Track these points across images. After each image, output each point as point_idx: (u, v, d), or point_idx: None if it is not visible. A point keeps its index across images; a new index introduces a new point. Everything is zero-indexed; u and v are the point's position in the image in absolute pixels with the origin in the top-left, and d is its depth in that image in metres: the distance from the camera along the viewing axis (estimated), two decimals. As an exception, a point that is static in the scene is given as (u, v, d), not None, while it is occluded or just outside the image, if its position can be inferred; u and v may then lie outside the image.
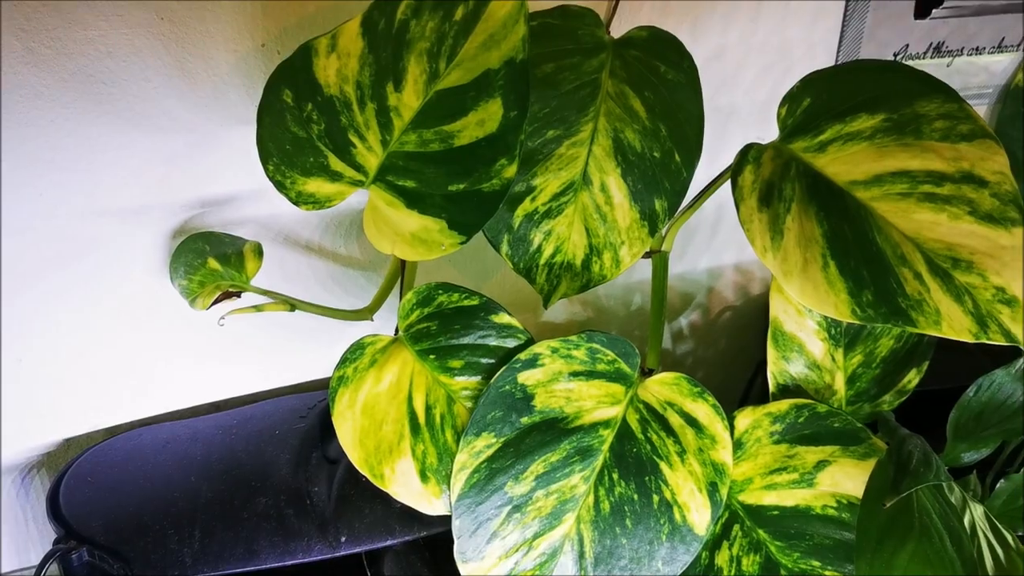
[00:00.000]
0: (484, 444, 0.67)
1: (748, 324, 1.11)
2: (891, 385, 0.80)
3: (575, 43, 0.71)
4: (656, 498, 0.68)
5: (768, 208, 0.71)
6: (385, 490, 0.67)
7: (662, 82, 0.69)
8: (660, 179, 0.72)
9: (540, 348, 0.69)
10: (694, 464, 0.68)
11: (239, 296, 0.74)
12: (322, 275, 0.84)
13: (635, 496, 0.68)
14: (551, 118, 0.70)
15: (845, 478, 0.67)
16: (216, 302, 0.74)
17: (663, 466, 0.69)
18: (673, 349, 1.11)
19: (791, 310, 0.73)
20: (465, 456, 0.67)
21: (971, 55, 1.02)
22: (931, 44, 1.03)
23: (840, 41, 0.98)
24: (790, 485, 0.70)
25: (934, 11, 1.03)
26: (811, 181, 0.72)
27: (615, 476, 0.68)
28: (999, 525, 0.64)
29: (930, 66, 1.00)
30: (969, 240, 0.70)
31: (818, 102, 0.74)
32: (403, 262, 0.77)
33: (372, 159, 0.69)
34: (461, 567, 0.67)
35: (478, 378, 0.68)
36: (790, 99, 0.75)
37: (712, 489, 0.68)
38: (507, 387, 0.68)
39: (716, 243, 1.02)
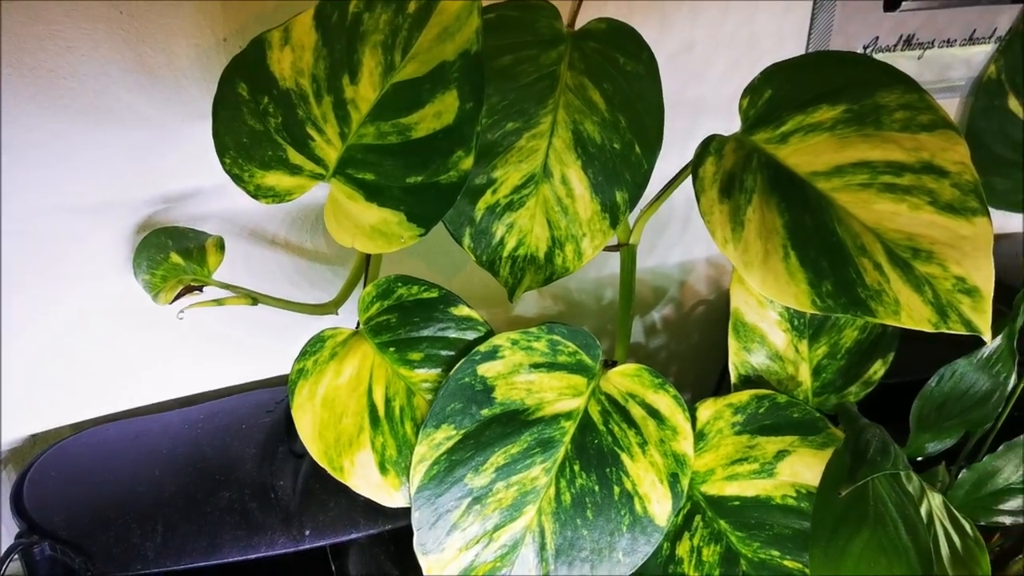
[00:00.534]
0: (444, 436, 0.67)
1: (721, 318, 1.11)
2: (856, 376, 0.80)
3: (533, 35, 0.71)
4: (617, 489, 0.68)
5: (729, 199, 0.71)
6: (344, 483, 0.67)
7: (621, 74, 0.69)
8: (621, 171, 0.71)
9: (500, 340, 0.68)
10: (655, 455, 0.68)
11: (201, 291, 0.73)
12: (288, 270, 0.84)
13: (596, 487, 0.68)
14: (510, 110, 0.70)
15: (804, 468, 0.66)
16: (178, 296, 0.74)
17: (624, 457, 0.68)
18: (646, 343, 1.10)
19: (752, 301, 0.73)
20: (424, 448, 0.67)
21: (942, 47, 1.02)
22: (901, 37, 1.02)
23: (809, 34, 0.98)
24: (751, 475, 0.69)
25: (903, 3, 1.03)
26: (773, 172, 0.71)
27: (576, 468, 0.68)
28: (957, 514, 0.64)
29: (901, 59, 1.00)
30: (929, 230, 0.70)
31: (780, 93, 0.73)
32: (367, 256, 0.77)
33: (331, 152, 0.69)
34: (421, 559, 0.66)
35: (438, 370, 0.67)
36: (752, 91, 0.74)
37: (673, 480, 0.68)
38: (467, 379, 0.68)
39: (687, 237, 1.01)
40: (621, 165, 0.70)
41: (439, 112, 0.64)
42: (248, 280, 0.77)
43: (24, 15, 0.64)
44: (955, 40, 1.04)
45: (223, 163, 0.65)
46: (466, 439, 0.66)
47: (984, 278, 0.68)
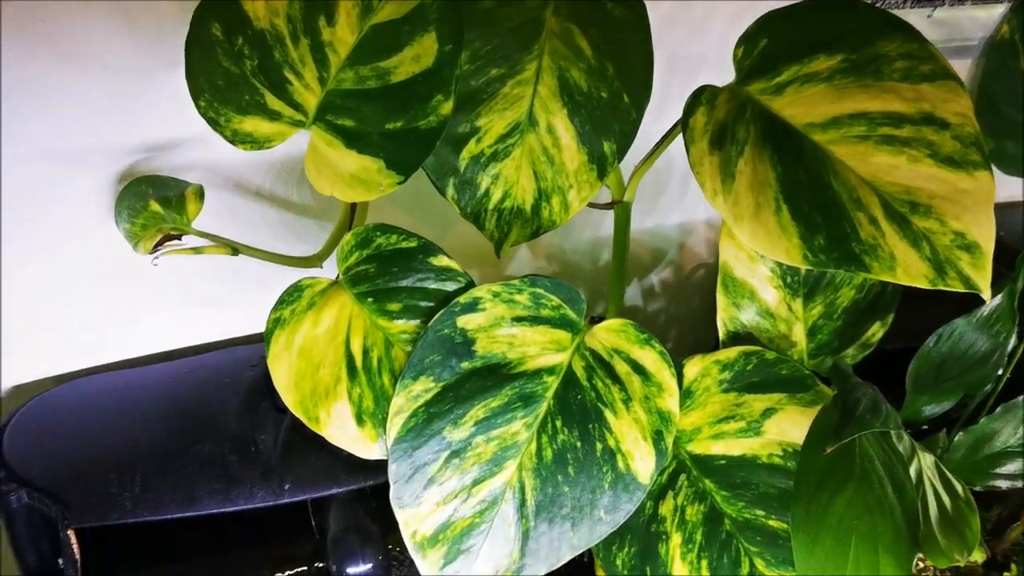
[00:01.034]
0: (422, 388, 0.65)
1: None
2: (854, 338, 0.78)
3: (517, -23, 0.69)
4: (600, 446, 0.66)
5: (720, 151, 0.69)
6: (320, 433, 0.66)
7: (608, 19, 0.66)
8: (608, 121, 0.69)
9: (480, 292, 0.66)
10: (639, 412, 0.67)
11: (180, 239, 0.72)
12: (274, 223, 0.81)
13: (578, 444, 0.66)
14: (494, 56, 0.67)
15: (791, 426, 0.64)
16: (158, 245, 0.72)
17: (608, 414, 0.67)
18: (644, 306, 1.08)
19: (742, 256, 0.70)
20: (402, 400, 0.65)
21: (954, 6, 0.99)
22: (911, -7, 0.99)
23: (814, -11, 0.95)
24: (737, 434, 0.67)
25: (915, -42, 1.00)
26: (767, 124, 0.69)
27: (558, 423, 0.66)
28: (949, 475, 0.62)
29: (911, 16, 0.97)
30: (928, 184, 0.67)
31: (775, 42, 0.71)
32: (353, 209, 0.75)
33: (311, 97, 0.66)
34: (398, 513, 0.65)
35: (417, 321, 0.64)
36: (746, 40, 0.72)
37: (657, 437, 0.66)
38: (446, 331, 0.66)
39: (687, 199, 0.99)
40: (609, 114, 0.68)
41: (418, 55, 0.63)
42: (234, 232, 0.76)
43: (2, -44, 0.63)
44: (967, -1, 1.00)
45: (198, 106, 0.63)
46: (445, 392, 0.64)
47: (984, 234, 0.66)
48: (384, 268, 0.63)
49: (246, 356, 0.77)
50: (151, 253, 0.69)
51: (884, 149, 0.65)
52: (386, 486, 0.64)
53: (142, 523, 0.67)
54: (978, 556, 0.65)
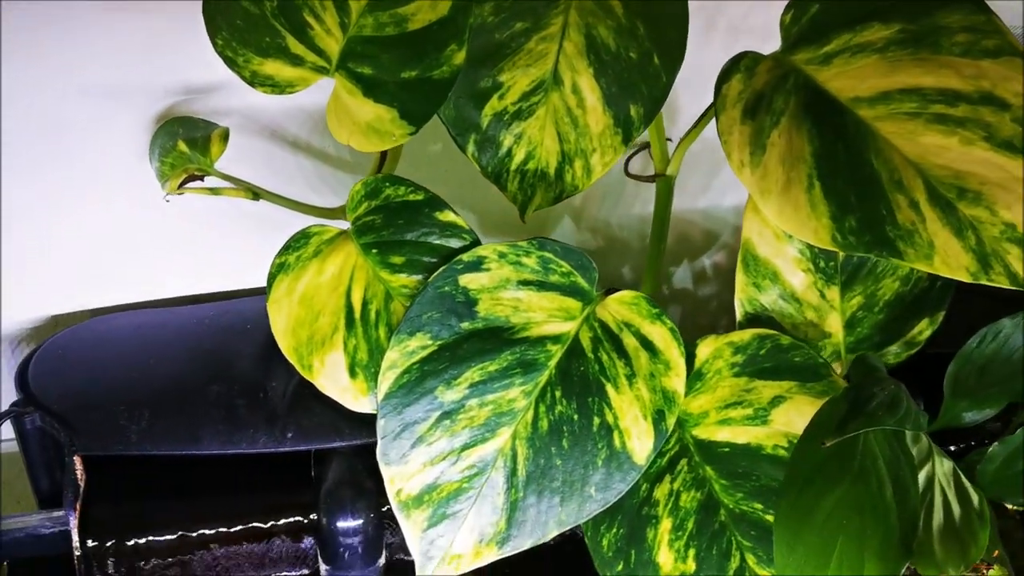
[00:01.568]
0: (418, 344, 0.61)
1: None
2: (898, 334, 0.72)
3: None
4: (597, 420, 0.63)
5: (753, 120, 0.64)
6: (311, 381, 0.66)
7: (642, -27, 0.63)
8: (637, 83, 0.65)
9: (485, 251, 0.63)
10: (643, 389, 0.63)
11: (203, 180, 0.73)
12: (310, 175, 0.80)
13: (575, 416, 0.60)
14: (519, 8, 0.62)
15: (799, 416, 0.59)
16: (182, 184, 0.74)
17: (609, 388, 0.62)
18: (695, 290, 1.03)
19: (767, 233, 0.65)
20: (396, 354, 0.63)
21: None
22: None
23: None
24: (744, 421, 0.63)
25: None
26: (810, 95, 0.64)
27: (558, 394, 0.63)
28: (967, 484, 0.56)
29: None
30: (981, 168, 0.61)
31: (827, 8, 0.65)
32: (381, 162, 0.75)
33: (332, 43, 0.62)
34: (383, 469, 0.63)
35: (419, 276, 0.61)
36: (795, 5, 0.67)
37: (658, 417, 0.63)
38: (447, 288, 0.63)
39: (745, 180, 0.94)
40: (637, 76, 0.64)
41: (435, 2, 0.61)
42: (270, 182, 0.75)
43: None
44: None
45: (215, 44, 0.63)
46: (441, 351, 0.62)
47: None
48: (390, 220, 0.62)
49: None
50: (176, 192, 0.70)
51: (935, 128, 0.59)
52: (386, 444, 0.63)
53: (146, 456, 0.69)
54: (999, 575, 0.60)
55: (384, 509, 0.67)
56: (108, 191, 0.76)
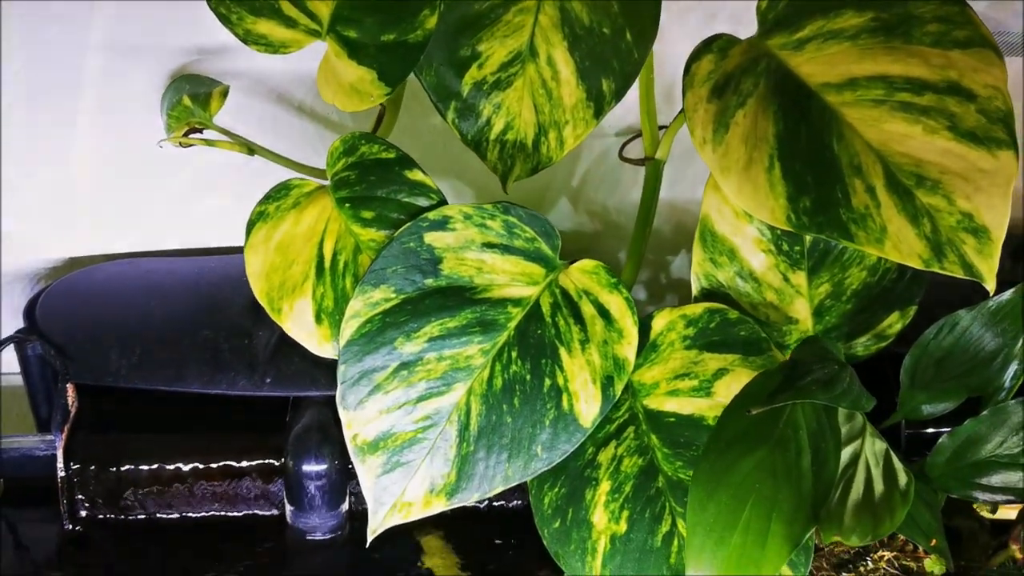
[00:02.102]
0: (381, 296, 0.61)
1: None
2: (867, 326, 0.70)
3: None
4: (548, 382, 0.63)
5: (719, 100, 0.65)
6: (280, 324, 0.68)
7: (618, -50, 0.64)
8: (609, 58, 0.65)
9: (451, 211, 0.64)
10: (595, 355, 0.64)
11: (202, 132, 0.77)
12: (313, 138, 0.80)
13: (528, 376, 0.60)
14: None
15: (739, 388, 0.59)
16: (184, 135, 0.78)
17: (563, 352, 0.62)
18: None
19: (727, 211, 0.64)
20: (359, 304, 0.62)
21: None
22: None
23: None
24: (690, 392, 0.63)
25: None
26: (780, 79, 0.64)
27: (514, 354, 0.63)
28: (898, 467, 0.55)
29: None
30: (942, 158, 0.60)
31: (803, -6, 0.67)
32: (377, 126, 0.78)
33: (323, 8, 0.63)
34: (342, 414, 0.64)
35: (387, 232, 0.61)
36: (772, -11, 0.68)
37: (607, 383, 0.63)
38: (412, 244, 0.64)
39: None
40: (610, 51, 0.65)
41: (413, -34, 0.63)
42: (276, 143, 0.79)
43: None
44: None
45: (208, 1, 0.67)
46: (404, 304, 0.64)
47: (996, 218, 0.58)
48: (363, 176, 0.64)
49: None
50: (177, 145, 0.74)
51: (899, 116, 0.59)
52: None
53: (134, 390, 0.73)
54: (937, 567, 0.59)
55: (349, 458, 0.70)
56: (122, 142, 0.80)
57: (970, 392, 0.62)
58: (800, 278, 0.66)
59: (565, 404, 0.61)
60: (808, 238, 0.66)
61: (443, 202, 0.63)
